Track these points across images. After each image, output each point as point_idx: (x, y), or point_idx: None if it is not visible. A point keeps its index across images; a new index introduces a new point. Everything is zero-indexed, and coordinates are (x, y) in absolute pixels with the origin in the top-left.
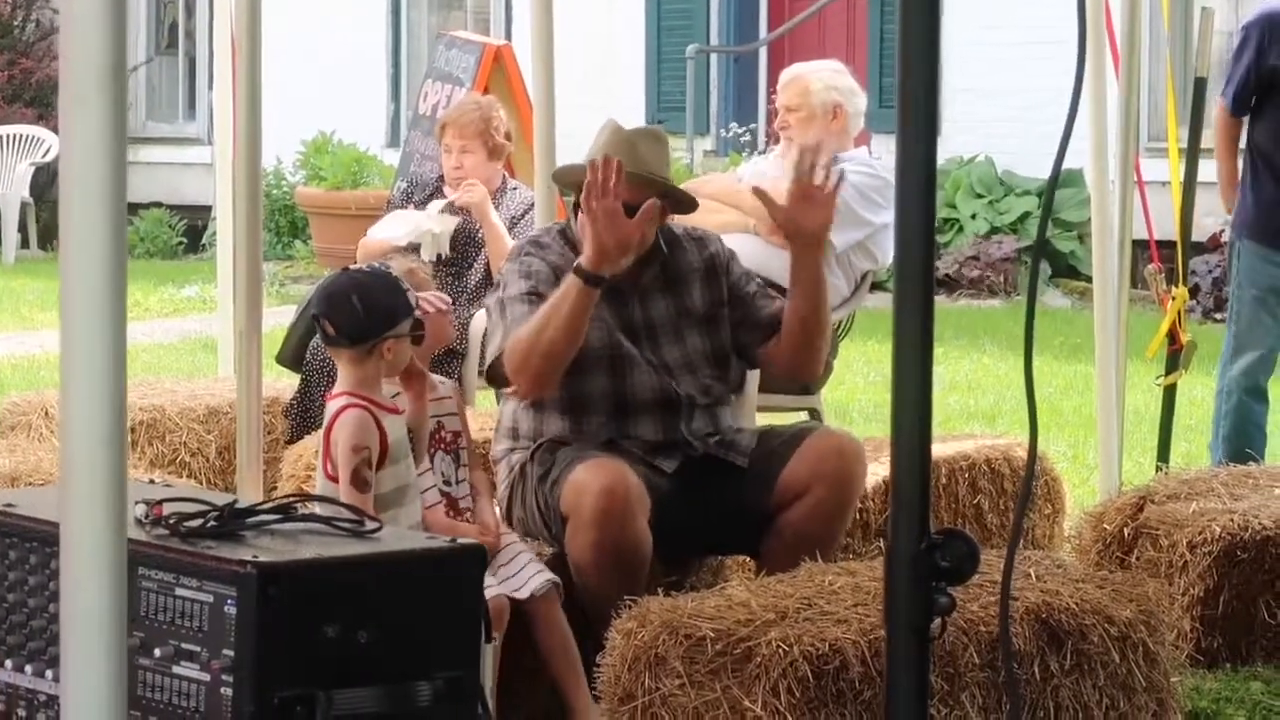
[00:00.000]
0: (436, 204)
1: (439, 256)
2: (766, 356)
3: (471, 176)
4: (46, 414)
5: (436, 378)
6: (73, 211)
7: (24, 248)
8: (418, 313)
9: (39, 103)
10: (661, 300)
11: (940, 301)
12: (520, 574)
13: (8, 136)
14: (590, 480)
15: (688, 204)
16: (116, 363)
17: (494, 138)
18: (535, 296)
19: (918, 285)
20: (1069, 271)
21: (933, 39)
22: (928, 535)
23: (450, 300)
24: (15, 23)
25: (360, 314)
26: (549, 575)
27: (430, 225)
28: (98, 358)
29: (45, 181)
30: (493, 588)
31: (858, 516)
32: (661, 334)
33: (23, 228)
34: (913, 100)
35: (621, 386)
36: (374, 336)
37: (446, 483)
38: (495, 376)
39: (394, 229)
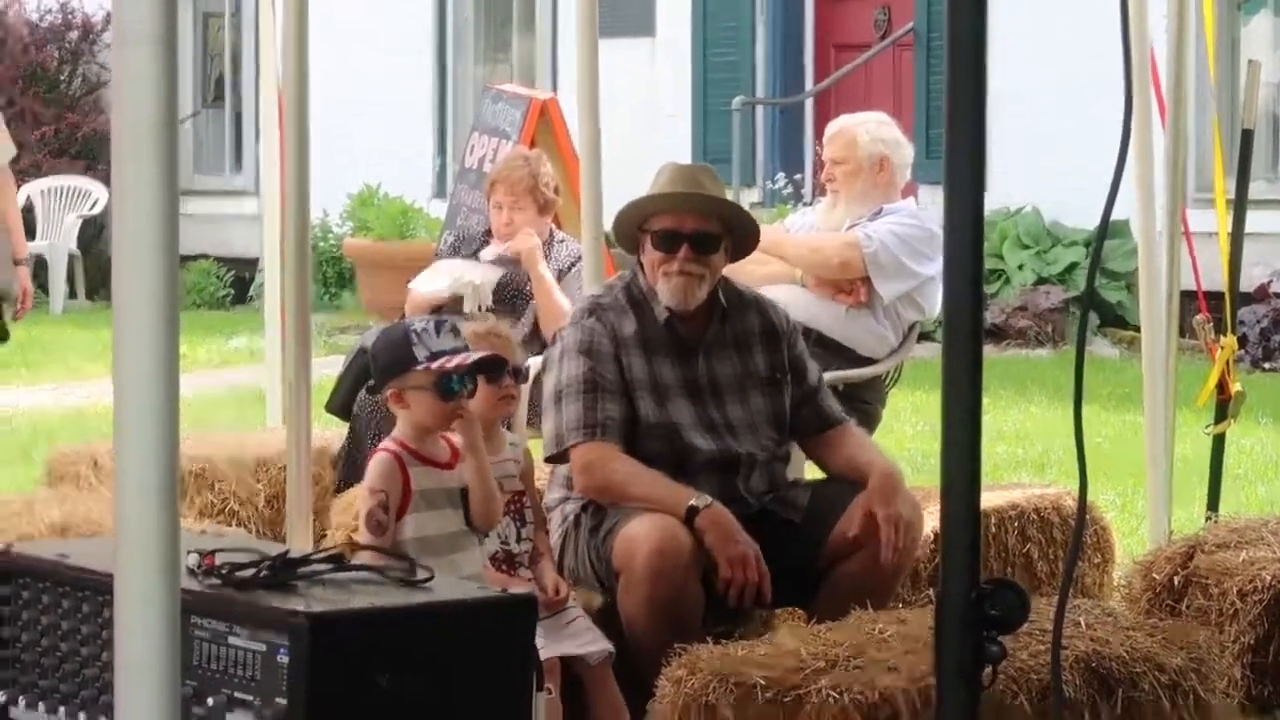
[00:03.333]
0: (490, 251)
1: (480, 308)
2: (814, 452)
3: (522, 232)
4: (95, 464)
5: (510, 437)
6: (125, 265)
7: (71, 298)
8: (442, 364)
9: (86, 156)
10: (727, 359)
11: (988, 351)
12: (576, 638)
13: (55, 189)
14: (643, 536)
15: (751, 240)
16: (169, 414)
17: (544, 193)
18: (592, 387)
19: (967, 334)
20: (1117, 321)
21: (979, 88)
22: (978, 584)
23: (514, 385)
24: (62, 77)
25: (371, 364)
26: (605, 644)
27: (471, 277)
28: (151, 409)
29: (92, 234)
30: (547, 647)
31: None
32: (726, 392)
33: (70, 279)
34: (960, 150)
35: (681, 447)
36: (380, 385)
37: (505, 542)
38: (557, 462)
39: (436, 281)
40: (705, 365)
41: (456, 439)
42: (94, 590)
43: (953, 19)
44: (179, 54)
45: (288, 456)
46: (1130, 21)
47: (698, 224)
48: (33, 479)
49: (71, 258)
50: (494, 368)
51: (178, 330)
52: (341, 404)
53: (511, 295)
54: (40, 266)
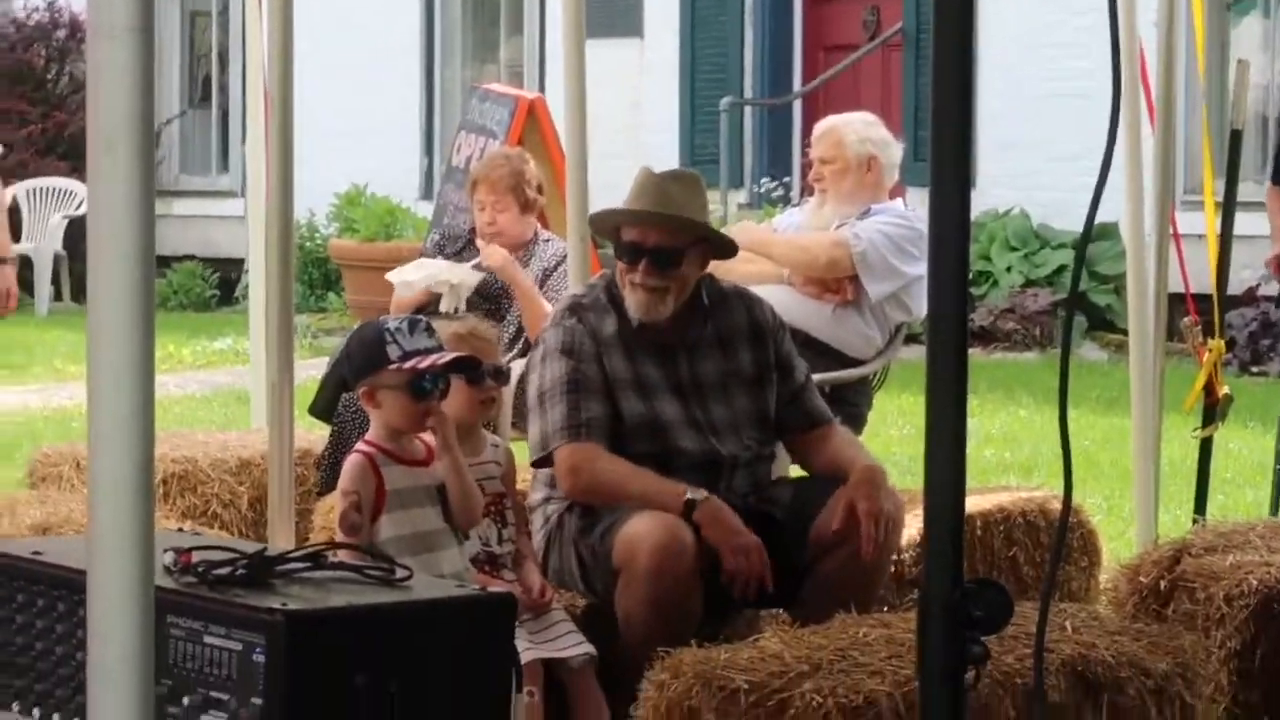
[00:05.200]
0: (468, 265)
1: (456, 310)
2: (799, 451)
3: (505, 231)
4: (78, 465)
5: (490, 438)
6: (101, 258)
7: (57, 300)
8: (415, 364)
9: (72, 155)
10: (710, 359)
11: (975, 354)
12: (558, 640)
13: (41, 189)
14: (645, 534)
15: (727, 247)
16: (144, 408)
17: (525, 192)
18: (575, 388)
19: (951, 336)
20: (1105, 325)
21: (965, 90)
22: (961, 584)
23: (495, 387)
24: (49, 76)
25: (345, 362)
26: (587, 647)
27: (448, 276)
28: (125, 403)
29: (78, 234)
30: (529, 650)
31: (892, 568)
32: (709, 393)
33: (56, 280)
34: (945, 151)
35: (665, 447)
36: (353, 384)
37: (486, 544)
38: (542, 465)
39: (412, 273)
40: (688, 364)
41: (430, 438)
42: (69, 589)
43: (939, 20)
44: (166, 53)
45: (269, 458)
46: (1119, 23)
47: (660, 239)
48: (15, 480)
49: (57, 258)
50: (468, 369)
51: (153, 321)
52: (325, 406)
53: (496, 295)
54: (26, 267)
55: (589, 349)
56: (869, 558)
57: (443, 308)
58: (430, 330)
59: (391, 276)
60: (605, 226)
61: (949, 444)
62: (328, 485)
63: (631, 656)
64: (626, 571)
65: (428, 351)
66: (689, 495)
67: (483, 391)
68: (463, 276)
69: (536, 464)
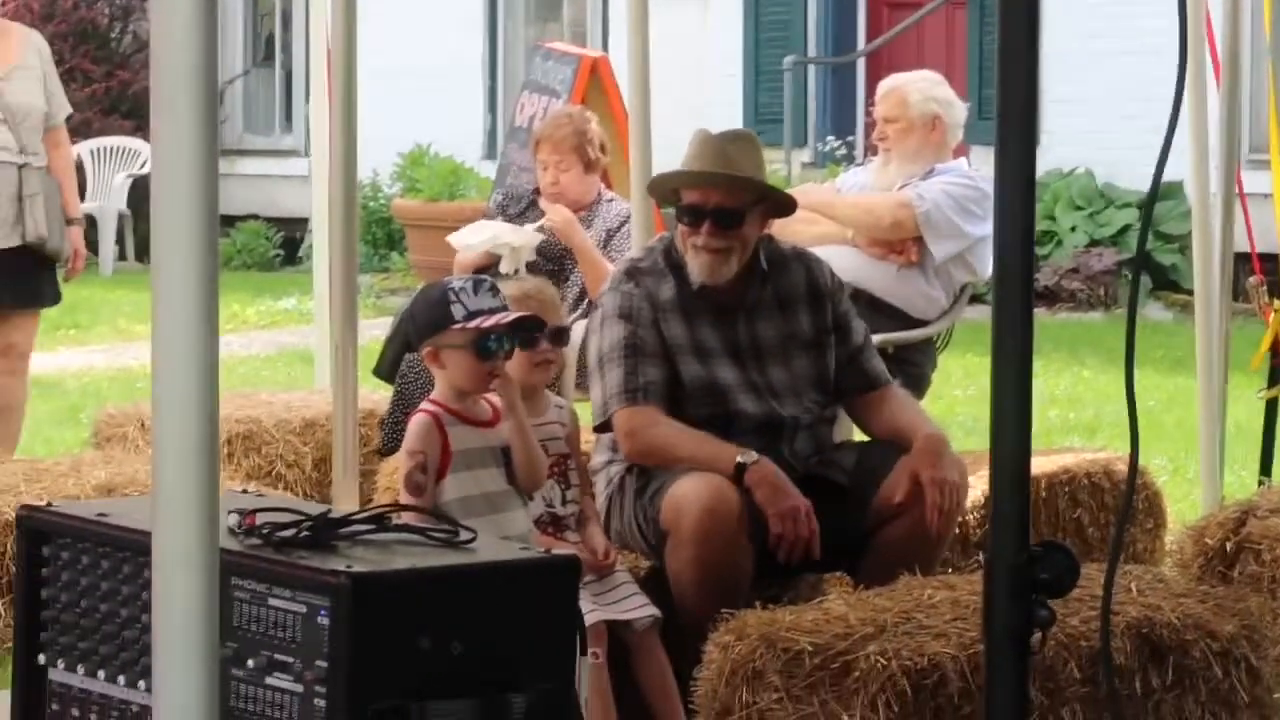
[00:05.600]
0: (530, 227)
1: (516, 271)
2: (858, 414)
3: (568, 191)
4: (143, 426)
5: (554, 399)
6: (164, 215)
7: (121, 259)
8: (479, 324)
9: (136, 114)
10: (769, 321)
11: (1039, 314)
12: (623, 603)
13: (105, 149)
14: (692, 496)
15: (786, 205)
16: (208, 370)
17: (589, 152)
18: (632, 351)
19: (1017, 297)
20: (1170, 284)
21: (1031, 49)
22: (1027, 547)
23: (551, 349)
24: (113, 35)
25: (409, 322)
26: (652, 610)
27: (510, 238)
28: (190, 365)
29: (142, 193)
30: (594, 612)
31: (956, 530)
32: (768, 355)
33: (120, 240)
34: (1011, 111)
35: (725, 410)
36: (417, 344)
37: (550, 505)
38: (603, 430)
39: (471, 236)
40: (746, 327)
41: (495, 399)
42: (134, 550)
43: None
44: (229, 12)
45: (334, 419)
46: None
47: (721, 199)
48: (81, 440)
49: (121, 218)
50: (532, 328)
51: (216, 280)
52: (389, 367)
53: (559, 256)
54: (90, 227)
55: (646, 314)
56: (934, 528)
57: (502, 269)
58: (495, 290)
59: (452, 239)
60: (664, 190)
61: (1014, 405)
62: (391, 446)
63: (684, 618)
64: (674, 533)
65: (492, 311)
66: (740, 458)
67: (537, 354)
68: (524, 239)
69: (598, 428)
